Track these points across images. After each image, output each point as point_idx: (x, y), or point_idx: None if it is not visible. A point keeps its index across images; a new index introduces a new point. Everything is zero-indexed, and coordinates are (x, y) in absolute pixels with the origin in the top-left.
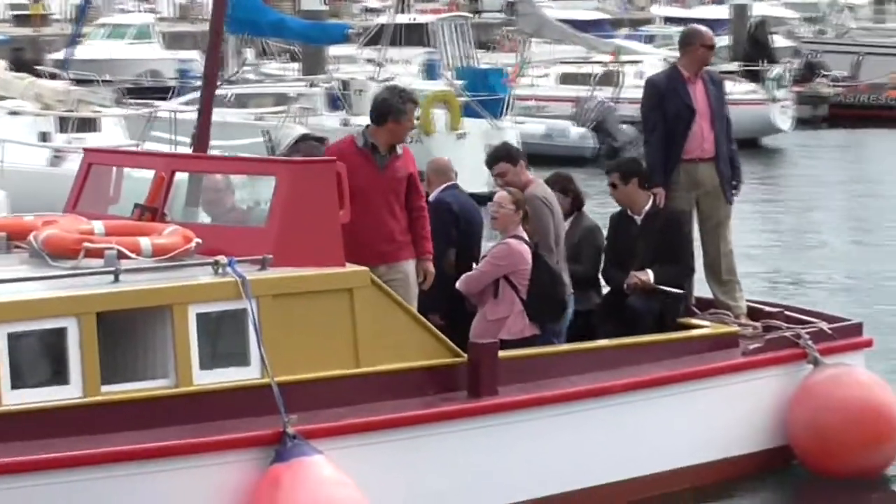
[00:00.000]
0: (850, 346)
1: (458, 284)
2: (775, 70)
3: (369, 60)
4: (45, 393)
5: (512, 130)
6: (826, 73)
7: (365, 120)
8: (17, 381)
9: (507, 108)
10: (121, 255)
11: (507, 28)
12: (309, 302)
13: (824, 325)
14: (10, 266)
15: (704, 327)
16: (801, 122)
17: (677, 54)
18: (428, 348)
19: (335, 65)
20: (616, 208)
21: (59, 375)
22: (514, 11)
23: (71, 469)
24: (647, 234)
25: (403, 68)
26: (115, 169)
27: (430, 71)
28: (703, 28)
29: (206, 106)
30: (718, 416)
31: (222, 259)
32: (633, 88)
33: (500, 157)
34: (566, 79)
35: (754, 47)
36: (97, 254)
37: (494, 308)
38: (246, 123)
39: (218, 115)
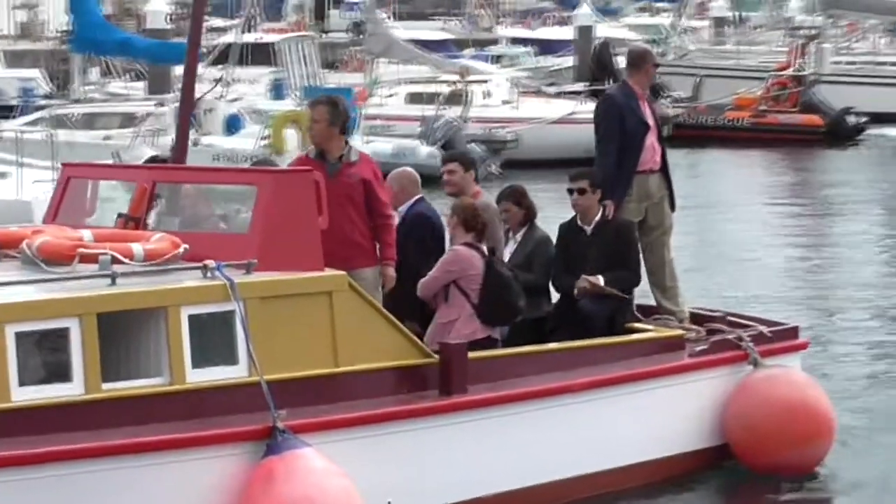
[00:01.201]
0: (788, 348)
1: (417, 290)
2: None
3: (216, 80)
4: (50, 390)
5: (362, 149)
6: (668, 94)
7: (215, 139)
8: (24, 378)
9: (356, 128)
10: (114, 261)
11: (355, 48)
12: (292, 304)
13: (764, 329)
14: (6, 272)
15: (652, 331)
16: None
17: (522, 74)
18: (401, 349)
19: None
20: (559, 219)
21: (62, 373)
22: (362, 31)
23: (74, 462)
24: (598, 243)
25: (250, 88)
26: (90, 182)
27: (277, 91)
28: (646, 47)
29: (183, 119)
30: (668, 415)
31: (210, 263)
32: (479, 108)
33: (454, 157)
34: (413, 98)
35: (599, 68)
36: (91, 259)
37: (445, 311)
38: (95, 144)
39: (67, 135)
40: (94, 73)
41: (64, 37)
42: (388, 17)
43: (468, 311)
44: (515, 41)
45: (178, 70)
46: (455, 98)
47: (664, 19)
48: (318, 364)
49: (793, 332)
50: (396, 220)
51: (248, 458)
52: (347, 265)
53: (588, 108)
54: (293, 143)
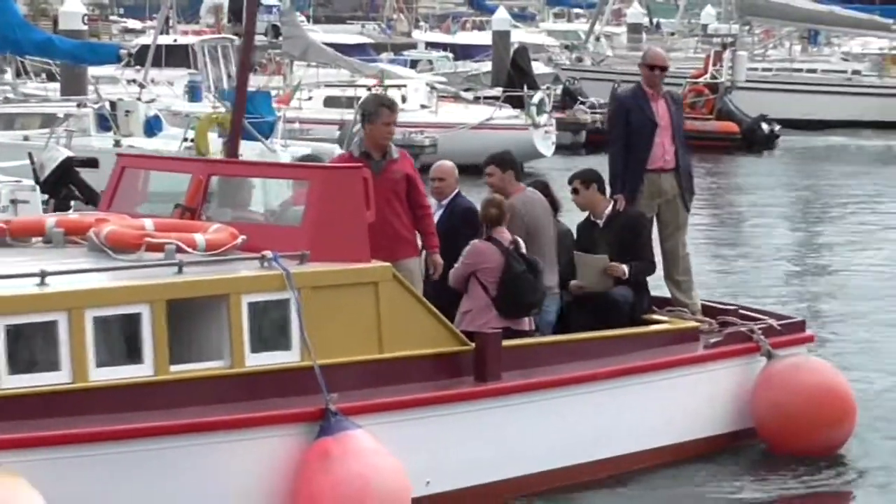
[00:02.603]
0: (795, 340)
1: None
2: (536, 96)
3: (131, 81)
4: (123, 371)
5: (285, 153)
6: (584, 99)
7: (136, 141)
8: (101, 360)
9: (276, 131)
10: (178, 250)
11: (273, 51)
12: (341, 293)
13: (773, 322)
14: (75, 259)
15: (669, 322)
16: (562, 148)
17: (439, 78)
18: (440, 337)
19: (94, 85)
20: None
21: (134, 355)
22: (279, 34)
23: (144, 439)
24: (607, 234)
25: (168, 89)
26: (143, 172)
27: (194, 93)
28: (650, 48)
29: (237, 116)
30: (686, 402)
31: (268, 254)
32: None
33: (492, 159)
34: (331, 102)
35: (516, 73)
36: (157, 248)
37: (465, 301)
38: (13, 144)
39: None
40: (8, 74)
41: None
42: (306, 21)
43: (484, 303)
44: (433, 46)
45: (93, 71)
46: None
47: (581, 25)
48: (364, 350)
49: (800, 325)
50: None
51: (302, 437)
52: (394, 256)
53: (505, 113)
54: (217, 146)
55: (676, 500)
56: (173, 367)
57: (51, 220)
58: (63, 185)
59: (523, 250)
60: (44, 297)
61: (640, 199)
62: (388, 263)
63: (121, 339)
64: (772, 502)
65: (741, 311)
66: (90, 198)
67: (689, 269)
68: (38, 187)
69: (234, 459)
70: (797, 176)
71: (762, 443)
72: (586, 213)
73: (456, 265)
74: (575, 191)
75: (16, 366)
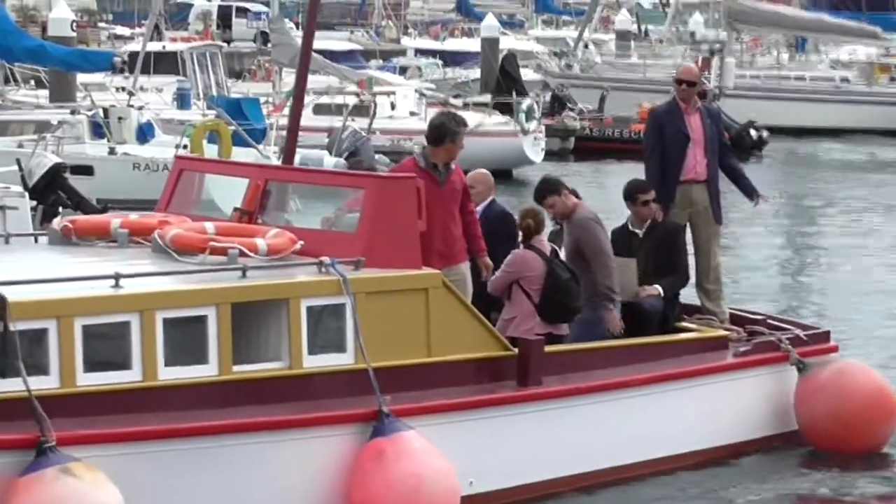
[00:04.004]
0: (821, 350)
1: (487, 287)
2: (525, 103)
3: (120, 88)
4: (190, 371)
5: (278, 160)
6: (572, 106)
7: (130, 147)
8: (169, 360)
9: (268, 138)
10: (241, 254)
11: (263, 58)
12: (394, 299)
13: (799, 332)
14: (140, 260)
15: (700, 331)
16: (550, 154)
17: (428, 85)
18: (485, 342)
19: (87, 92)
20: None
21: (199, 356)
22: (267, 41)
23: (208, 437)
24: (647, 244)
25: (157, 96)
26: (198, 175)
27: (183, 100)
28: (685, 65)
29: (293, 124)
30: (722, 407)
31: (326, 260)
32: (386, 119)
33: (546, 191)
34: (320, 109)
35: (505, 80)
36: (220, 251)
37: (508, 308)
38: (9, 151)
39: None
40: None
41: None
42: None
43: (527, 310)
44: (422, 52)
45: (82, 78)
46: (361, 109)
47: (570, 32)
48: (413, 354)
49: (825, 335)
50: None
51: (356, 437)
52: (452, 261)
53: (494, 119)
54: (212, 153)
55: (722, 498)
56: (236, 368)
57: (116, 220)
58: (52, 191)
59: (562, 257)
60: (118, 298)
61: (672, 209)
62: (437, 271)
63: (188, 340)
64: (823, 500)
65: (769, 320)
66: (78, 204)
67: (720, 279)
68: (26, 193)
69: (291, 457)
70: (785, 183)
71: (808, 445)
72: (623, 221)
73: (497, 273)
74: (644, 203)
75: (90, 365)
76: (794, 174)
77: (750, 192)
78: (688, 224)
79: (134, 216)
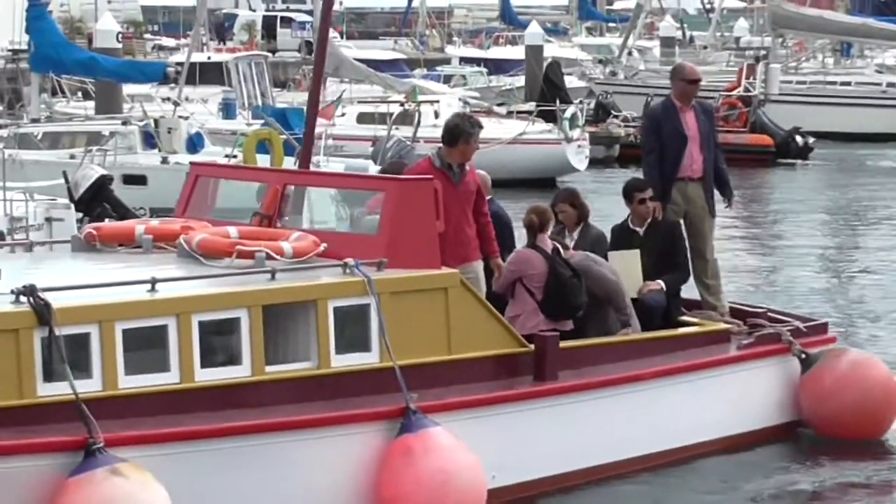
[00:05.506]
0: (820, 342)
1: (492, 285)
2: (570, 110)
3: (165, 99)
4: (225, 372)
5: (327, 169)
6: (617, 113)
7: (180, 157)
8: (205, 361)
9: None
10: (268, 257)
11: (307, 67)
12: (415, 298)
13: (799, 324)
14: (167, 265)
15: (703, 325)
16: (595, 162)
17: (472, 93)
18: (502, 339)
19: (140, 103)
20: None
21: (233, 357)
22: (312, 51)
23: (248, 436)
24: (648, 242)
25: (202, 107)
26: (212, 181)
27: (228, 110)
28: (685, 64)
29: (309, 128)
30: (729, 398)
31: (350, 261)
32: (430, 128)
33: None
34: (363, 118)
35: (549, 88)
36: (247, 255)
37: (512, 306)
38: (60, 163)
39: (34, 154)
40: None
41: (13, 56)
42: (339, 37)
43: (531, 307)
44: (466, 61)
45: (127, 89)
46: (406, 118)
47: (614, 39)
48: (434, 351)
49: (823, 327)
50: None
51: (384, 434)
52: (467, 259)
53: (538, 127)
54: (265, 162)
55: (732, 486)
56: (268, 368)
57: (140, 227)
58: (97, 203)
59: (565, 256)
60: (156, 302)
61: (669, 206)
62: (455, 270)
63: (222, 342)
64: (827, 488)
65: (768, 313)
66: (124, 216)
67: (718, 273)
68: (72, 205)
69: (323, 455)
70: (831, 188)
71: (815, 433)
72: (624, 218)
73: (501, 271)
74: (641, 201)
75: (131, 367)
76: (841, 179)
77: (729, 195)
78: (683, 220)
79: (155, 222)
